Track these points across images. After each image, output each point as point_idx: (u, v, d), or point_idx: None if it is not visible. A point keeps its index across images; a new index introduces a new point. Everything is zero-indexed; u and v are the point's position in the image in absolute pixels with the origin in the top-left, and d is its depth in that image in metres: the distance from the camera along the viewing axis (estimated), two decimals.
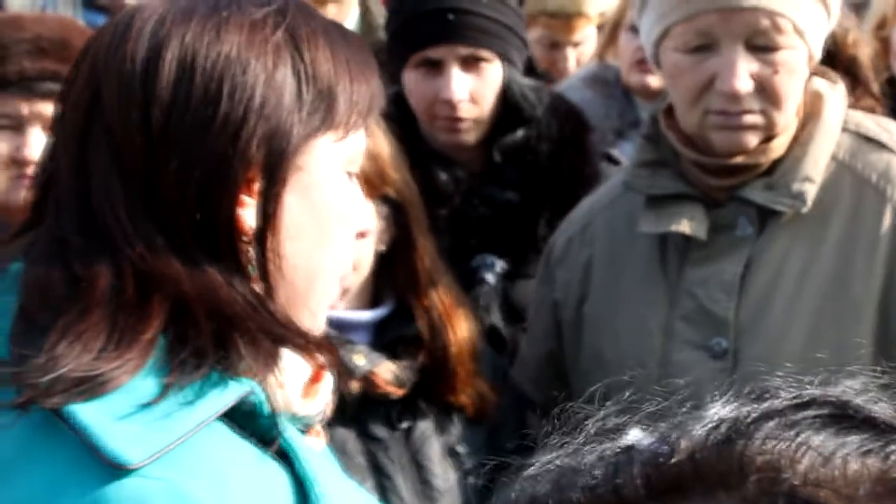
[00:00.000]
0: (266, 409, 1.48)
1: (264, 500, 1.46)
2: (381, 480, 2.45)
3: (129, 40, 1.52)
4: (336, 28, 1.62)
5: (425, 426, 2.51)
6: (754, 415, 0.74)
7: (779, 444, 0.71)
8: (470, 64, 2.94)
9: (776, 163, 2.43)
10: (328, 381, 1.64)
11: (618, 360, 2.41)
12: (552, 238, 2.72)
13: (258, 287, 1.52)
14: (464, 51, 2.93)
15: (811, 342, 2.33)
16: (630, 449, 0.75)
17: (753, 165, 2.42)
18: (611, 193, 2.65)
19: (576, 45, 4.43)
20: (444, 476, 2.49)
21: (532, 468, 0.79)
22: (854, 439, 0.72)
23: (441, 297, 2.52)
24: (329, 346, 1.60)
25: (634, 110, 3.91)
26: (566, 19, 4.33)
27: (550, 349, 2.66)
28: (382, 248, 2.52)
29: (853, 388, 0.77)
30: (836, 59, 2.54)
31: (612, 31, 4.13)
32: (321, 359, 1.60)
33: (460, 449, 2.52)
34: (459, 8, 2.94)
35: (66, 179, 1.53)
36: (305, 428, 1.61)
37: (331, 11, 3.88)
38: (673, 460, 0.73)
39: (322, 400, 1.62)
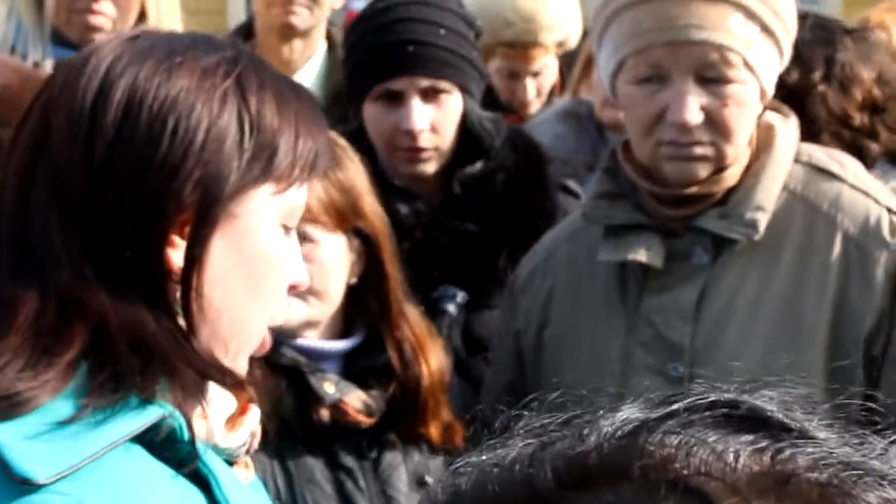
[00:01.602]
0: (185, 433, 1.52)
1: None
2: None
3: (82, 76, 1.56)
4: (287, 83, 1.66)
5: (393, 456, 2.52)
6: (659, 413, 0.79)
7: (677, 439, 0.76)
8: (430, 95, 3.00)
9: (729, 192, 2.50)
10: (254, 414, 1.68)
11: (578, 385, 2.45)
12: (517, 269, 2.78)
13: (182, 325, 1.56)
14: (424, 82, 2.99)
15: (764, 367, 2.39)
16: (545, 444, 0.80)
17: (707, 195, 2.48)
18: (572, 225, 2.72)
19: (535, 74, 4.47)
20: None
21: (458, 464, 0.82)
22: (748, 438, 0.76)
23: (413, 329, 2.55)
24: (246, 387, 1.64)
25: (607, 145, 3.96)
26: (523, 49, 4.38)
27: (511, 378, 2.72)
28: (353, 280, 2.54)
29: (769, 396, 0.81)
30: (779, 88, 2.61)
31: (584, 65, 4.19)
32: (248, 393, 1.64)
33: (429, 479, 2.54)
34: (419, 40, 3.00)
35: (7, 208, 1.57)
36: (231, 460, 1.65)
37: (297, 47, 3.91)
38: (581, 453, 0.77)
39: (246, 433, 1.66)
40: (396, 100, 3.01)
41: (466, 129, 3.02)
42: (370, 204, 2.55)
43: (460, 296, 2.96)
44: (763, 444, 0.76)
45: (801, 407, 0.81)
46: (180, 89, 1.55)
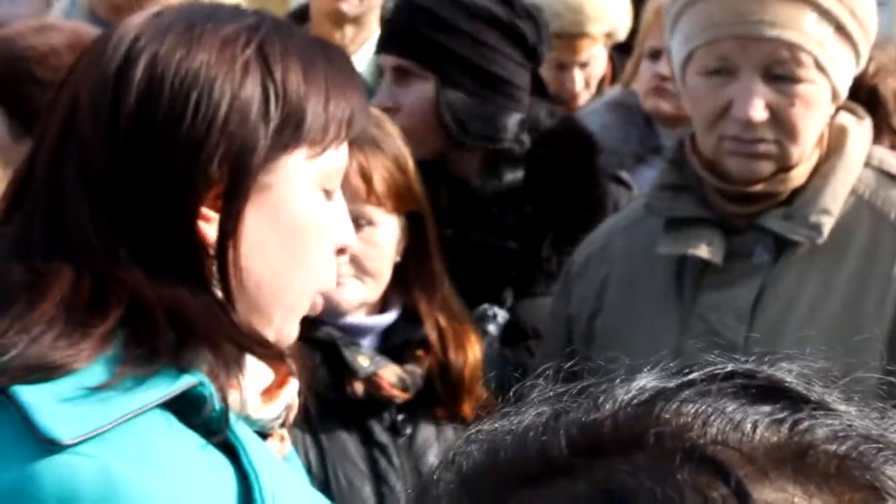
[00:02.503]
0: (217, 403, 1.51)
1: (202, 488, 1.49)
2: (380, 486, 2.46)
3: (105, 54, 1.55)
4: (317, 45, 1.64)
5: (427, 433, 2.52)
6: (676, 382, 0.77)
7: (693, 408, 0.75)
8: (399, 75, 3.09)
9: (795, 193, 2.46)
10: (292, 387, 1.65)
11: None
12: (574, 255, 2.75)
13: (220, 298, 1.54)
14: (392, 61, 3.10)
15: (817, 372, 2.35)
16: (559, 412, 0.78)
17: (772, 194, 2.45)
18: (632, 215, 2.69)
19: (582, 65, 4.45)
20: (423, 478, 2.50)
21: (471, 432, 0.81)
22: (766, 408, 0.75)
23: (452, 311, 2.55)
24: (286, 360, 1.62)
25: (655, 136, 3.94)
26: (570, 40, 4.35)
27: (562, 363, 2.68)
28: (397, 258, 2.54)
29: (788, 368, 0.80)
30: (857, 90, 2.57)
31: (637, 57, 4.16)
32: (288, 365, 1.62)
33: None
34: (396, 20, 3.20)
35: (39, 184, 1.56)
36: (265, 432, 1.63)
37: (349, 33, 3.93)
38: (595, 420, 0.76)
39: (281, 405, 1.63)
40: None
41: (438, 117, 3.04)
42: (419, 184, 2.55)
43: (501, 315, 2.94)
44: (781, 415, 0.75)
45: (821, 380, 0.79)
46: (201, 63, 1.53)
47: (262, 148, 1.53)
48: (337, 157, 1.62)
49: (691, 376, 0.78)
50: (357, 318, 2.51)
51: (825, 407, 0.77)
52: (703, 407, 0.75)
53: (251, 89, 1.53)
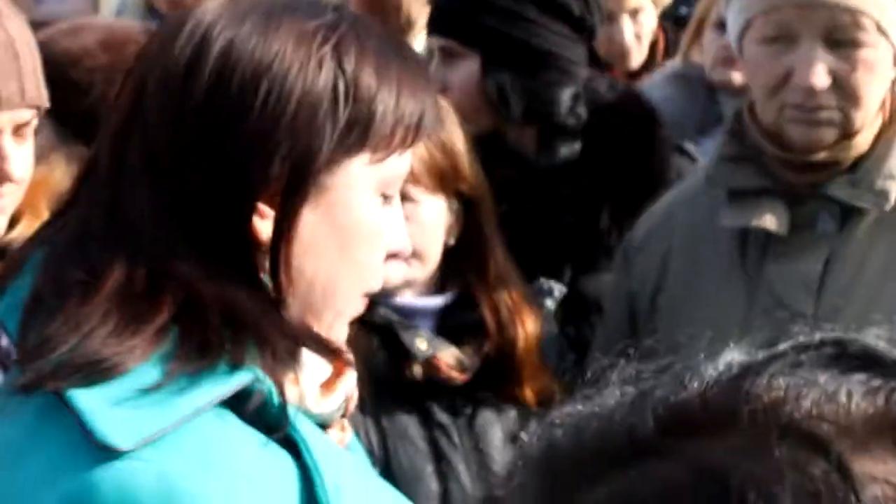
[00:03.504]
0: (276, 398, 1.49)
1: (264, 487, 1.47)
2: (442, 466, 2.45)
3: (179, 38, 1.52)
4: (392, 45, 1.60)
5: (488, 413, 2.50)
6: (764, 356, 0.75)
7: (785, 381, 0.73)
8: (445, 55, 3.09)
9: (860, 160, 2.42)
10: (350, 378, 1.64)
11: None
12: (633, 229, 2.72)
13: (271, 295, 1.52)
14: (438, 41, 3.12)
15: (889, 341, 2.31)
16: (644, 392, 0.77)
17: (835, 162, 2.41)
18: (693, 187, 2.65)
19: (633, 13, 4.34)
20: (506, 463, 2.48)
21: (552, 416, 0.80)
22: (860, 377, 0.73)
23: (509, 292, 2.52)
24: (341, 350, 1.60)
25: (717, 107, 3.89)
26: None
27: (625, 339, 2.66)
28: (452, 241, 2.52)
29: (878, 335, 0.77)
30: None
31: (696, 28, 4.11)
32: (345, 357, 1.60)
33: (523, 435, 2.51)
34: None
35: (102, 172, 1.54)
36: (325, 423, 1.61)
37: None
38: (683, 398, 0.74)
39: (340, 397, 1.62)
40: None
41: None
42: (471, 165, 2.53)
43: (557, 289, 2.92)
44: (876, 383, 0.73)
45: None
46: (275, 55, 1.50)
47: (326, 150, 1.50)
48: (400, 164, 1.59)
49: (779, 348, 0.76)
50: (411, 299, 2.50)
51: None
52: (796, 380, 0.73)
53: (322, 88, 1.50)
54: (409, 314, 2.49)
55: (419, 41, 3.85)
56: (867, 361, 0.74)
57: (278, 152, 1.48)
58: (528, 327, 2.51)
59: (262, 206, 1.51)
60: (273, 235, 1.51)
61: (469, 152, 2.53)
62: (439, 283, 2.55)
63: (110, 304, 1.45)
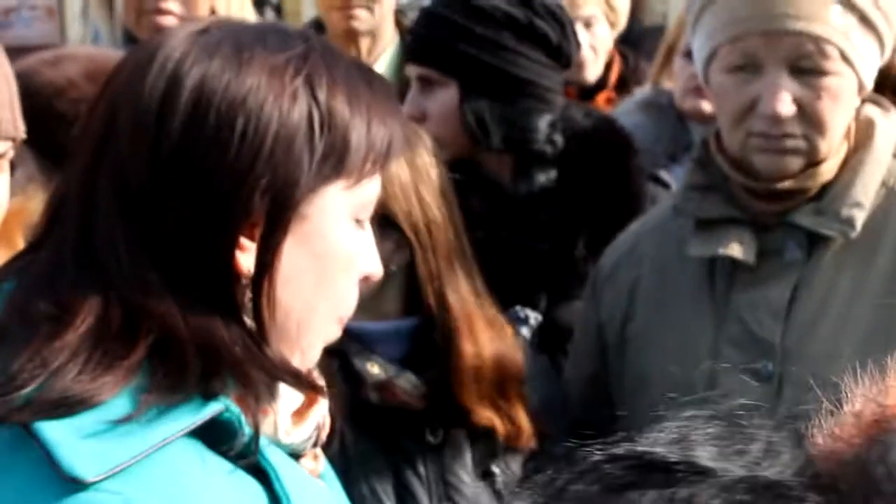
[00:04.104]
0: (246, 427, 1.49)
1: None
2: (404, 496, 2.43)
3: (149, 73, 1.51)
4: (359, 71, 1.61)
5: (458, 443, 2.47)
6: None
7: None
8: (424, 84, 3.09)
9: (825, 188, 2.43)
10: (321, 407, 1.64)
11: (664, 381, 2.41)
12: (601, 260, 2.73)
13: (251, 328, 1.52)
14: (417, 70, 3.11)
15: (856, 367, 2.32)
16: None
17: (802, 190, 2.42)
18: (660, 216, 2.66)
19: (586, 23, 4.35)
20: (475, 498, 2.44)
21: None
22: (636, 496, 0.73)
23: (463, 310, 2.46)
24: (318, 385, 1.61)
25: (688, 135, 3.91)
26: None
27: (594, 371, 2.66)
28: (393, 268, 2.45)
29: (661, 436, 0.78)
30: (882, 81, 2.53)
31: (666, 54, 4.13)
32: (318, 386, 1.61)
33: (496, 469, 2.49)
34: (416, 30, 3.18)
35: (72, 208, 1.53)
36: (296, 454, 1.61)
37: (364, 46, 3.93)
38: None
39: (311, 426, 1.62)
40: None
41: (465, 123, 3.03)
42: (414, 196, 2.46)
43: (532, 317, 2.92)
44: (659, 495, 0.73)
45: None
46: (249, 89, 1.49)
47: (304, 180, 1.51)
48: (372, 188, 1.60)
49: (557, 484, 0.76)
50: (368, 323, 2.45)
51: (694, 468, 0.74)
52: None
53: (297, 119, 1.50)
54: (367, 339, 2.45)
55: (379, 68, 3.86)
56: (644, 472, 0.74)
57: (258, 186, 1.48)
58: (478, 346, 2.44)
59: (243, 240, 1.50)
60: (256, 268, 1.51)
61: (421, 183, 2.47)
62: (405, 307, 2.51)
63: (82, 341, 1.45)
